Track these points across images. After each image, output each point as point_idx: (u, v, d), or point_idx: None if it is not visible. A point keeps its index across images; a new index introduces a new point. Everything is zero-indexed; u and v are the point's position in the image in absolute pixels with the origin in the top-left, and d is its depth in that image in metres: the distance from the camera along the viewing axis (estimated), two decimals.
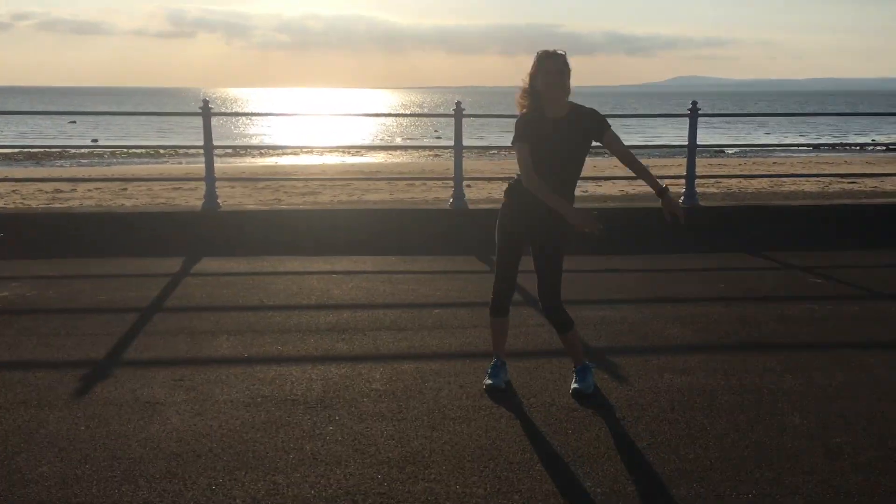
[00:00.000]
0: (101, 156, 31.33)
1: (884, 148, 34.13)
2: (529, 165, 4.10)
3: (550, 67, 4.09)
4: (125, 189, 15.70)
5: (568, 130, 4.14)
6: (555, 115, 4.15)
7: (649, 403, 4.27)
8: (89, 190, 15.54)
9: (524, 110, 4.21)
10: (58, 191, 15.30)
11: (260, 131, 52.97)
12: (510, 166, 5.28)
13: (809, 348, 5.20)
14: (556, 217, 4.14)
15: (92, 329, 5.54)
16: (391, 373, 4.73)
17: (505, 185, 4.42)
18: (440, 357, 5.01)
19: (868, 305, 6.30)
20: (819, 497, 3.30)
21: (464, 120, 8.69)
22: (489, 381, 4.46)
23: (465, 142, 8.92)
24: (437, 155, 31.41)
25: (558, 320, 4.35)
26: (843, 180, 16.44)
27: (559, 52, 4.16)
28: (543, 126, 4.14)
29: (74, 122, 54.25)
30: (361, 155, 32.46)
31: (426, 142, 41.74)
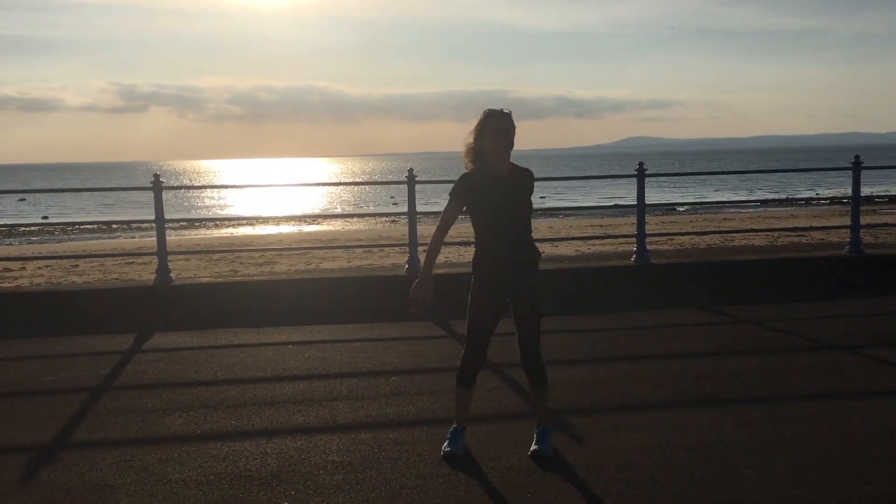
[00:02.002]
0: (51, 233, 30.87)
1: (828, 201, 35.18)
2: (447, 222, 4.31)
3: (499, 126, 4.19)
4: (76, 265, 15.44)
5: (512, 186, 4.25)
6: (500, 172, 4.24)
7: (607, 463, 4.26)
8: (39, 268, 15.25)
9: (470, 168, 4.30)
10: (7, 269, 14.99)
11: (216, 203, 52.83)
12: (465, 230, 5.40)
13: (762, 401, 5.26)
14: (527, 273, 4.20)
15: (38, 411, 5.38)
16: (348, 443, 4.66)
17: (461, 249, 4.47)
18: (398, 425, 4.96)
19: (817, 356, 6.41)
20: None
21: (417, 186, 8.78)
22: (447, 448, 4.42)
23: (420, 207, 9.00)
24: (393, 221, 31.57)
25: (537, 373, 4.37)
26: (791, 233, 16.87)
27: (505, 110, 4.26)
28: (491, 184, 4.22)
29: (24, 199, 53.56)
30: (318, 223, 32.48)
31: (383, 209, 41.98)
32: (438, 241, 4.34)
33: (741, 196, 46.31)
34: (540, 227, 5.47)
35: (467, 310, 4.36)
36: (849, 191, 10.09)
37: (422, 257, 9.82)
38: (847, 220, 10.05)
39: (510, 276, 4.26)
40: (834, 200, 34.43)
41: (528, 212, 4.35)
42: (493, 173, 4.24)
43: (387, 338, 7.30)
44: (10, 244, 27.91)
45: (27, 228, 31.97)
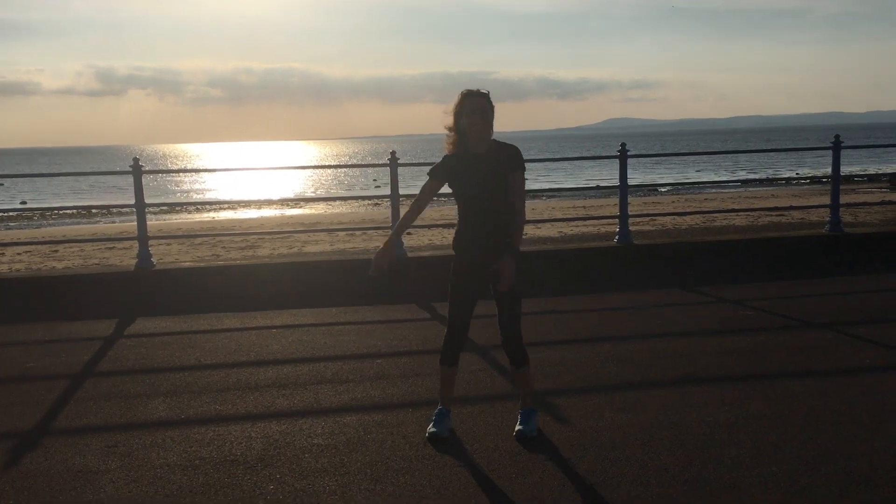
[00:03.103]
0: (30, 218, 30.54)
1: (808, 181, 35.41)
2: (422, 199, 4.41)
3: (474, 106, 4.18)
4: (56, 251, 15.31)
5: (489, 165, 4.24)
6: (478, 151, 4.24)
7: (590, 443, 4.30)
8: (18, 254, 15.10)
9: (450, 150, 4.32)
10: None
11: (197, 187, 52.46)
12: (449, 213, 5.35)
13: (742, 380, 5.31)
14: (500, 254, 4.22)
15: (21, 398, 5.35)
16: (333, 426, 4.67)
17: (445, 232, 4.48)
18: (382, 408, 4.97)
19: (797, 335, 6.48)
20: None
21: (400, 168, 8.76)
22: (433, 430, 4.43)
23: (402, 190, 8.98)
24: (376, 204, 31.47)
25: (517, 354, 4.39)
26: (772, 213, 16.99)
27: (482, 90, 4.25)
28: (467, 163, 4.25)
29: (2, 184, 52.93)
30: (300, 207, 32.34)
31: (366, 191, 41.88)
32: (409, 217, 4.44)
33: (722, 177, 46.58)
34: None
35: (448, 289, 4.38)
36: (829, 170, 10.16)
37: (405, 240, 9.83)
38: (827, 200, 10.14)
39: (488, 257, 4.26)
40: (814, 180, 34.69)
41: (501, 190, 4.26)
42: (472, 154, 4.24)
43: (371, 321, 7.30)
44: None
45: (5, 214, 31.62)
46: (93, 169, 79.78)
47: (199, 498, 3.78)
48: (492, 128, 4.25)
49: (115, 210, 31.16)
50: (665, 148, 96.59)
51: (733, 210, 13.72)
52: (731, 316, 7.21)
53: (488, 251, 4.25)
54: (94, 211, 31.87)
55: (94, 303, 7.93)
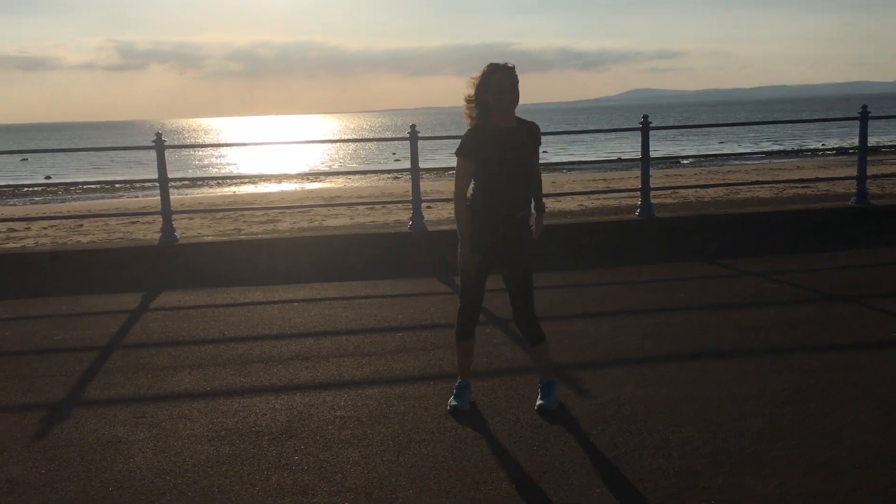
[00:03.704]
0: (55, 193, 30.84)
1: (834, 151, 34.96)
2: (464, 183, 4.21)
3: (503, 81, 4.15)
4: (81, 226, 15.47)
5: (519, 139, 4.24)
6: (503, 126, 4.21)
7: (612, 416, 4.31)
8: (44, 228, 15.28)
9: (473, 122, 4.27)
10: (11, 230, 15.02)
11: (218, 161, 52.65)
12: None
13: (766, 353, 5.29)
14: (520, 231, 4.21)
15: (49, 370, 5.45)
16: (356, 398, 4.72)
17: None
18: (404, 381, 5.02)
19: (820, 309, 6.43)
20: (779, 499, 3.36)
21: (420, 141, 8.74)
22: (454, 403, 4.47)
23: (423, 164, 8.96)
24: (396, 177, 31.47)
25: (532, 332, 4.40)
26: (797, 185, 16.80)
27: (508, 64, 4.22)
28: (498, 138, 4.19)
29: (26, 159, 53.42)
30: (320, 181, 32.38)
31: (385, 165, 41.84)
32: (465, 207, 4.23)
33: (746, 148, 46.04)
34: (543, 181, 5.49)
35: (458, 261, 4.35)
36: (855, 141, 10.01)
37: (426, 213, 9.82)
38: (853, 171, 10.00)
39: (504, 232, 4.25)
40: (840, 151, 34.22)
41: (534, 166, 4.33)
42: (499, 127, 4.21)
43: (392, 294, 7.33)
44: (14, 204, 27.94)
45: (30, 189, 31.97)
46: (114, 144, 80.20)
47: (226, 468, 3.85)
48: (517, 102, 4.23)
49: (137, 185, 31.39)
50: (687, 119, 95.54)
51: (757, 182, 13.59)
52: (754, 289, 7.17)
53: (507, 227, 4.24)
54: (116, 185, 32.15)
55: (120, 276, 8.03)
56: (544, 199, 4.60)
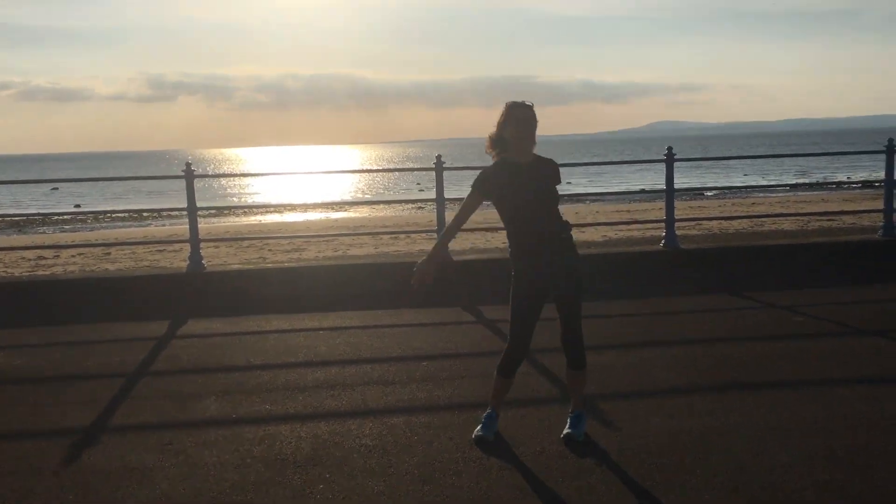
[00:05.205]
0: (84, 221, 31.31)
1: (859, 185, 34.68)
2: (465, 213, 4.38)
3: (520, 117, 4.25)
4: (109, 254, 15.68)
5: (537, 174, 4.31)
6: (523, 162, 4.29)
7: (639, 448, 4.28)
8: (73, 256, 15.50)
9: (495, 157, 4.38)
10: (41, 258, 15.26)
11: (244, 190, 53.20)
12: (493, 216, 5.35)
13: (792, 386, 5.24)
14: (565, 255, 4.27)
15: (79, 396, 5.51)
16: (381, 427, 4.73)
17: (488, 235, 4.51)
18: (429, 410, 5.02)
19: (848, 342, 6.36)
20: None
21: (444, 172, 8.81)
22: (479, 433, 4.46)
23: (447, 194, 9.03)
24: (420, 207, 31.63)
25: (578, 354, 4.43)
26: (822, 218, 16.67)
27: (527, 102, 4.31)
28: (518, 173, 4.28)
29: (56, 188, 54.33)
30: (345, 210, 32.63)
31: (409, 195, 42.12)
32: (453, 229, 4.50)
33: (770, 181, 45.80)
34: (566, 212, 5.52)
35: (510, 301, 4.37)
36: (881, 174, 9.94)
37: (450, 243, 9.86)
38: (879, 204, 9.93)
39: (548, 262, 4.28)
40: (866, 184, 33.92)
41: (555, 199, 4.37)
42: (518, 163, 4.29)
43: (416, 323, 7.35)
44: (45, 232, 28.37)
45: (60, 217, 32.46)
46: (141, 174, 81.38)
47: (251, 496, 3.86)
48: (535, 140, 4.31)
49: (164, 213, 31.77)
50: (709, 152, 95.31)
51: (782, 214, 13.52)
52: (781, 321, 7.11)
53: (547, 258, 4.27)
54: (144, 214, 32.56)
55: (148, 304, 8.12)
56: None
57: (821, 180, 44.35)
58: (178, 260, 13.48)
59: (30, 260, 15.12)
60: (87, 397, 5.47)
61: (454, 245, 12.88)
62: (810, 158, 67.10)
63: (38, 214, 17.89)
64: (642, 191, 20.82)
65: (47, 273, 12.69)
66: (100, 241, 18.29)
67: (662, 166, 9.19)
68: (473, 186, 4.32)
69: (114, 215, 32.97)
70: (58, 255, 15.59)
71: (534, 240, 4.28)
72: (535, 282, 4.31)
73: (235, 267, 9.69)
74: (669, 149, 9.18)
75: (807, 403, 4.87)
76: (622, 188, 42.84)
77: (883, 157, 9.48)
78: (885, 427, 4.46)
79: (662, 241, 9.22)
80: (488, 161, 4.47)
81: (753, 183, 42.75)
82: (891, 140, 9.51)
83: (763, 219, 16.60)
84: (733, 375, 5.50)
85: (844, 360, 5.80)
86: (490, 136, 4.37)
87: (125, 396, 5.47)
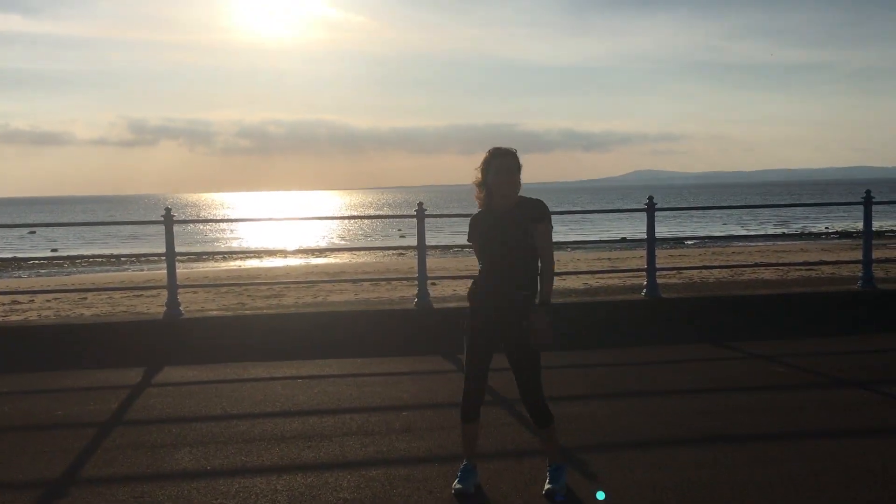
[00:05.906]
0: (60, 265, 30.98)
1: (837, 235, 35.08)
2: (479, 261, 4.41)
3: (501, 165, 4.24)
4: (85, 298, 15.48)
5: (511, 222, 4.26)
6: (502, 209, 4.28)
7: (622, 501, 4.20)
8: (48, 300, 15.29)
9: (480, 206, 4.39)
10: (15, 302, 15.03)
11: (224, 235, 53.00)
12: (473, 263, 5.35)
13: (776, 439, 5.20)
14: (518, 314, 4.19)
15: (48, 446, 5.36)
16: (359, 480, 4.62)
17: (469, 284, 4.47)
18: (409, 462, 4.92)
19: (831, 393, 6.34)
20: None
21: (425, 219, 8.79)
22: (458, 486, 4.37)
23: (428, 241, 9.00)
24: (401, 254, 31.60)
25: (539, 414, 4.33)
26: (801, 268, 16.80)
27: (510, 149, 4.30)
28: (492, 221, 4.29)
29: (34, 231, 53.87)
30: (325, 256, 32.53)
31: (390, 241, 42.13)
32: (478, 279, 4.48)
33: (749, 230, 46.27)
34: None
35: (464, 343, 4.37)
36: (857, 224, 10.06)
37: (431, 290, 9.80)
38: (857, 255, 10.02)
39: (502, 316, 4.25)
40: (844, 234, 34.34)
41: (526, 247, 4.25)
42: (500, 211, 4.28)
43: (396, 372, 7.26)
44: (20, 276, 28.01)
45: (36, 261, 32.11)
46: (123, 217, 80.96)
47: None
48: (519, 185, 4.29)
49: (143, 258, 31.51)
50: (691, 201, 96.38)
51: (762, 264, 13.62)
52: (762, 372, 7.09)
53: (508, 307, 4.22)
54: (122, 259, 32.30)
55: (123, 351, 7.97)
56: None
57: (799, 230, 44.87)
58: (155, 305, 13.32)
59: (3, 304, 14.89)
60: (56, 447, 5.31)
61: (437, 292, 12.82)
62: (788, 208, 67.90)
63: (14, 259, 17.67)
64: (623, 239, 20.93)
65: (21, 318, 12.48)
66: (76, 287, 18.08)
67: (643, 215, 9.23)
68: (468, 240, 4.46)
69: (91, 260, 32.65)
70: (33, 300, 15.37)
71: (497, 291, 4.27)
72: (484, 330, 4.31)
73: (213, 313, 9.56)
74: (650, 198, 9.24)
75: (791, 457, 4.82)
76: (603, 236, 43.11)
77: (860, 207, 9.59)
78: (874, 480, 4.41)
79: (644, 290, 9.22)
80: (468, 207, 4.48)
81: (734, 232, 43.14)
82: (868, 192, 9.63)
83: (743, 268, 16.71)
84: (717, 427, 5.45)
85: (828, 411, 5.77)
86: (475, 183, 4.35)
87: (97, 447, 5.32)
